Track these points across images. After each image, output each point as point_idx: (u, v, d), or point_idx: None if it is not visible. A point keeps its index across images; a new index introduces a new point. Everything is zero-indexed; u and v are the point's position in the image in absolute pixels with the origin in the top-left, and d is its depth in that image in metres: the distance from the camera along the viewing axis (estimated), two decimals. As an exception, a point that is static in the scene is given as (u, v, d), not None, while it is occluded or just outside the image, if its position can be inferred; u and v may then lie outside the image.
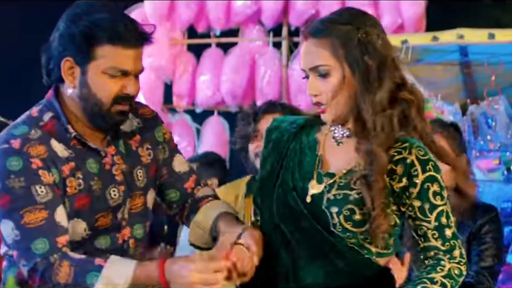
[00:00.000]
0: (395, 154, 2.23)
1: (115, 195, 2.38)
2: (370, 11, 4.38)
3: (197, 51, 5.79)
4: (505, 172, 4.64)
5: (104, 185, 2.36)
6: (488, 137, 4.57)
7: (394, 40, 4.14)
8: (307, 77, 2.27)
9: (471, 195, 3.36)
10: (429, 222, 2.22)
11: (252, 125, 3.40)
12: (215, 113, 5.79)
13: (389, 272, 2.29)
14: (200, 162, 4.52)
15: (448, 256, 2.23)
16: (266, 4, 5.56)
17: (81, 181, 2.33)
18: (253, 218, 2.47)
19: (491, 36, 4.36)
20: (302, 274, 2.26)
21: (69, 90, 2.35)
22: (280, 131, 2.38)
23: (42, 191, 2.26)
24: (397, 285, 2.31)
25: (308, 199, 2.26)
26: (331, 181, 2.25)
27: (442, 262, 2.22)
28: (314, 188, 2.26)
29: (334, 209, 2.22)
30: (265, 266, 2.28)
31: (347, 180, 2.24)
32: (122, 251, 2.39)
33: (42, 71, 2.39)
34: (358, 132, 2.25)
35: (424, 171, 2.21)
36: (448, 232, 2.23)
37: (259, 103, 5.22)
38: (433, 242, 2.23)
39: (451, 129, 3.42)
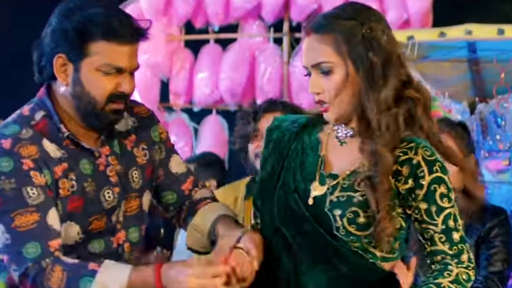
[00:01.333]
0: (401, 154, 2.20)
1: (109, 197, 2.35)
2: (374, 5, 4.38)
3: (194, 47, 5.77)
4: (515, 173, 4.61)
5: (98, 187, 2.34)
6: (498, 136, 4.55)
7: (400, 36, 4.11)
8: (309, 74, 2.24)
9: (479, 197, 3.35)
10: (436, 225, 2.19)
11: (252, 124, 3.38)
12: (214, 112, 5.77)
13: (395, 277, 2.26)
14: (198, 162, 4.51)
15: (455, 260, 2.20)
16: (266, -1, 5.53)
17: (74, 182, 2.31)
18: (253, 221, 2.46)
19: (501, 32, 4.34)
20: (304, 279, 2.24)
21: (62, 88, 2.32)
22: (281, 130, 2.36)
23: (33, 193, 2.24)
24: (402, 290, 2.30)
25: (310, 201, 2.23)
26: (334, 182, 2.23)
27: (450, 267, 2.19)
28: (317, 190, 2.24)
29: (337, 212, 2.20)
30: (265, 271, 2.26)
31: (350, 181, 2.21)
32: (117, 256, 2.37)
33: (34, 68, 2.36)
34: (362, 131, 2.23)
35: (430, 172, 2.18)
36: (456, 236, 2.20)
37: (259, 101, 5.20)
38: (440, 246, 2.20)
39: (459, 129, 3.42)
